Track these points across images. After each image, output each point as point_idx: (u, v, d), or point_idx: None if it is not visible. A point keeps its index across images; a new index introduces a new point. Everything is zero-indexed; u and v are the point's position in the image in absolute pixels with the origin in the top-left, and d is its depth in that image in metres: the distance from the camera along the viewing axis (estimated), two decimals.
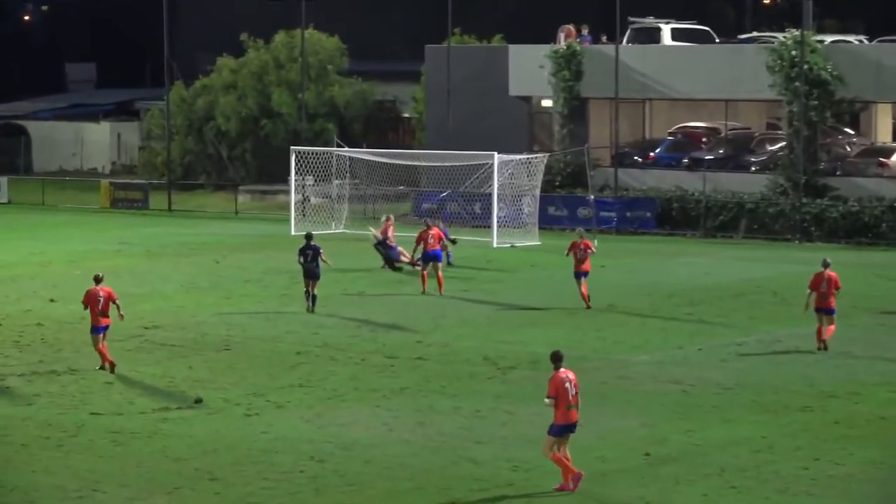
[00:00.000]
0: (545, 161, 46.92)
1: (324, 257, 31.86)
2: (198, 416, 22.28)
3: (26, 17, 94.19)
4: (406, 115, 65.34)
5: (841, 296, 27.45)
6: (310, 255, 31.70)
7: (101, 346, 25.56)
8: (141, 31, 76.81)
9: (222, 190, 60.40)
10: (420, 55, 56.72)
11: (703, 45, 50.89)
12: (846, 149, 48.66)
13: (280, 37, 62.75)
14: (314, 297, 31.72)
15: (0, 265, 39.81)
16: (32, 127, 74.12)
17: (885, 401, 23.49)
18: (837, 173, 47.02)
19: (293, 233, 46.00)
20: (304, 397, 23.57)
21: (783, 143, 48.21)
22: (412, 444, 20.72)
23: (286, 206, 50.55)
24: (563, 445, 18.49)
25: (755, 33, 52.44)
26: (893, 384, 24.61)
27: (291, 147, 50.46)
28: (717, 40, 52.01)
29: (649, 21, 52.04)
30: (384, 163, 48.38)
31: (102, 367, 25.56)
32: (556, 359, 18.50)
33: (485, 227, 45.24)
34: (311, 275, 31.69)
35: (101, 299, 25.42)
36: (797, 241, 45.44)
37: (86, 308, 25.66)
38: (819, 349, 27.15)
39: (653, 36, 51.60)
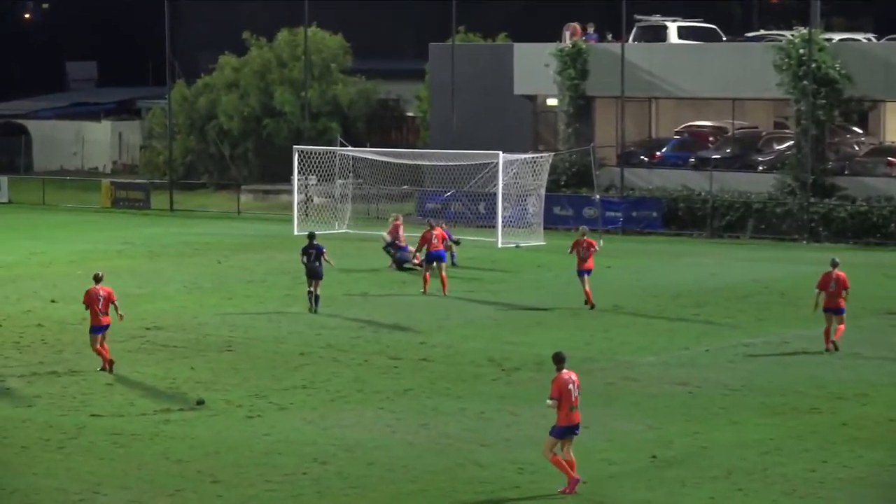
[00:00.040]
0: (550, 160, 46.82)
1: (327, 257, 31.84)
2: (200, 418, 22.24)
3: (27, 16, 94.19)
4: (410, 113, 65.23)
5: (849, 297, 27.31)
6: (313, 254, 31.67)
7: (98, 346, 25.52)
8: (142, 29, 76.75)
9: (224, 189, 60.32)
10: (424, 53, 56.61)
11: (709, 44, 50.74)
12: (854, 148, 48.50)
13: (283, 35, 62.66)
14: (317, 297, 31.71)
15: (0, 265, 39.81)
16: (33, 126, 74.08)
17: (894, 402, 23.38)
18: (846, 173, 46.88)
19: (296, 233, 46.04)
20: (306, 399, 23.53)
21: (791, 143, 48.06)
22: (416, 446, 20.67)
23: (289, 206, 50.51)
24: (567, 447, 18.41)
25: (762, 31, 52.32)
26: None
27: (294, 146, 50.45)
28: (724, 38, 51.88)
29: (655, 19, 51.93)
30: (388, 162, 48.35)
31: (104, 369, 25.52)
32: (559, 360, 18.47)
33: (489, 227, 45.21)
34: (313, 274, 31.66)
35: (102, 298, 25.37)
36: (805, 242, 45.32)
37: (87, 308, 25.58)
38: (827, 351, 27.09)
39: (659, 34, 51.48)
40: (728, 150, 49.64)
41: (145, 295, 34.03)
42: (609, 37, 52.17)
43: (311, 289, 31.64)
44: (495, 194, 44.83)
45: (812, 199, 45.63)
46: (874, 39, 49.95)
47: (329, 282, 33.05)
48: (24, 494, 18.39)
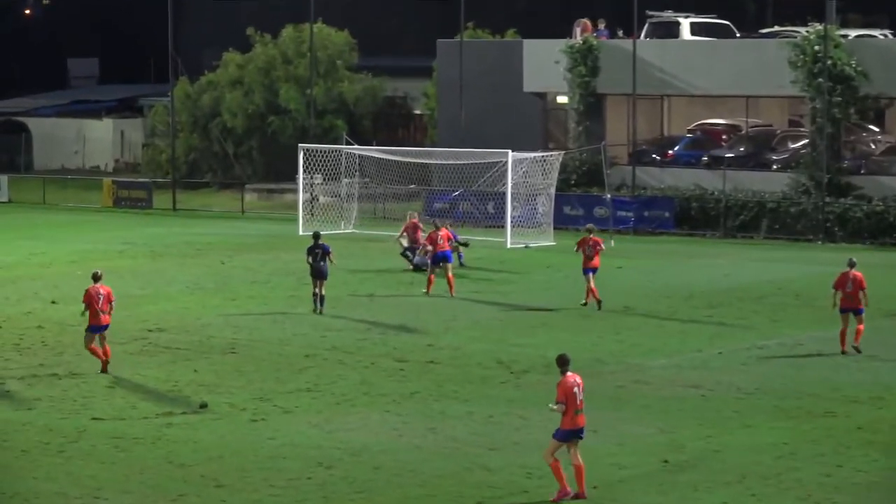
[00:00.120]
0: (560, 159, 46.70)
1: (331, 257, 31.81)
2: (203, 422, 22.14)
3: (27, 12, 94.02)
4: (417, 111, 65.28)
5: (867, 298, 27.10)
6: (318, 254, 31.72)
7: (93, 345, 25.47)
8: (144, 26, 76.56)
9: (228, 188, 60.27)
10: (432, 50, 56.49)
11: (723, 40, 50.60)
12: (871, 146, 48.38)
13: (288, 31, 62.62)
14: (322, 298, 31.69)
15: (0, 266, 39.78)
16: (33, 124, 74.13)
17: None
18: (861, 172, 46.74)
19: (301, 233, 46.01)
20: (312, 402, 23.45)
21: (805, 141, 47.94)
22: (423, 450, 20.57)
23: (294, 206, 50.40)
24: (574, 451, 18.25)
25: (777, 27, 52.33)
26: None
27: (299, 144, 50.34)
28: (738, 35, 51.77)
29: (668, 15, 51.89)
30: (395, 161, 48.29)
31: (104, 371, 25.41)
32: (563, 362, 18.37)
33: (498, 227, 45.10)
34: (318, 274, 31.63)
35: (102, 297, 25.31)
36: (820, 242, 45.16)
37: (86, 308, 25.43)
38: (843, 353, 26.91)
39: (671, 30, 51.38)
40: (742, 149, 49.56)
41: (147, 296, 34.02)
42: (620, 33, 52.11)
43: (317, 290, 31.60)
44: (504, 193, 44.69)
45: (827, 199, 45.47)
46: (891, 36, 49.93)
47: (334, 282, 33.06)
48: (24, 499, 18.30)
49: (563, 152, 48.14)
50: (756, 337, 28.84)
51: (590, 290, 31.92)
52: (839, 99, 45.85)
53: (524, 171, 45.34)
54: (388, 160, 48.26)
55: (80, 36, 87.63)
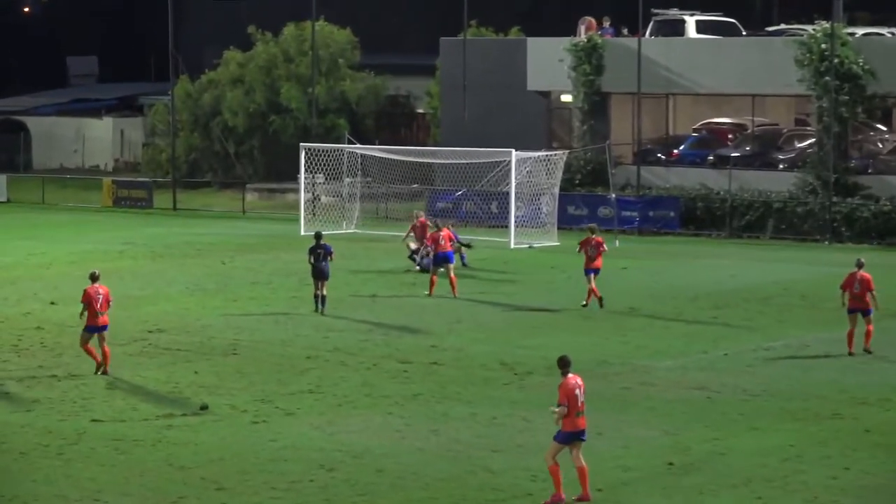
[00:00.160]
0: (564, 158, 46.63)
1: (332, 257, 31.77)
2: (203, 424, 22.07)
3: (26, 9, 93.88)
4: (420, 110, 65.27)
5: (876, 299, 27.05)
6: (320, 254, 31.70)
7: (88, 345, 25.41)
8: (145, 23, 76.55)
9: (229, 188, 60.25)
10: (435, 48, 56.41)
11: (729, 38, 50.49)
12: (878, 146, 48.29)
13: (289, 29, 62.54)
14: (323, 298, 31.64)
15: None
16: (32, 123, 74.08)
17: None
18: (869, 171, 46.66)
19: (302, 233, 45.93)
20: (313, 404, 23.37)
21: (812, 140, 47.85)
22: (426, 452, 20.50)
23: (295, 205, 50.39)
24: (576, 453, 18.16)
25: (783, 25, 52.23)
26: None
27: (301, 144, 50.25)
28: (744, 33, 51.69)
29: (673, 13, 51.87)
30: (397, 160, 48.24)
31: (105, 372, 25.38)
32: (564, 364, 18.30)
33: (502, 227, 45.05)
34: (320, 274, 31.58)
35: (101, 296, 25.23)
36: (827, 242, 45.05)
37: (85, 308, 25.33)
38: (851, 354, 26.81)
39: (677, 28, 51.31)
40: (748, 148, 49.50)
41: (147, 297, 33.96)
42: (625, 31, 52.03)
43: (318, 290, 31.54)
44: (508, 193, 44.63)
45: (834, 199, 45.35)
46: None
47: (336, 283, 33.02)
48: (23, 501, 18.28)
49: (568, 151, 48.04)
50: (762, 338, 28.76)
51: (590, 291, 31.86)
52: (846, 98, 45.70)
53: (528, 170, 45.23)
54: (391, 159, 48.18)
55: (80, 33, 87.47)
